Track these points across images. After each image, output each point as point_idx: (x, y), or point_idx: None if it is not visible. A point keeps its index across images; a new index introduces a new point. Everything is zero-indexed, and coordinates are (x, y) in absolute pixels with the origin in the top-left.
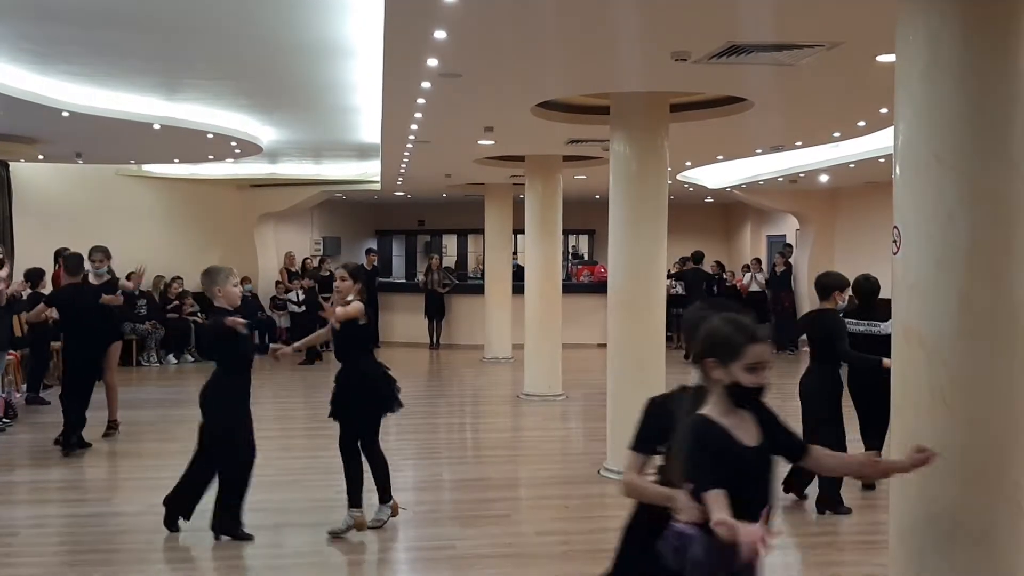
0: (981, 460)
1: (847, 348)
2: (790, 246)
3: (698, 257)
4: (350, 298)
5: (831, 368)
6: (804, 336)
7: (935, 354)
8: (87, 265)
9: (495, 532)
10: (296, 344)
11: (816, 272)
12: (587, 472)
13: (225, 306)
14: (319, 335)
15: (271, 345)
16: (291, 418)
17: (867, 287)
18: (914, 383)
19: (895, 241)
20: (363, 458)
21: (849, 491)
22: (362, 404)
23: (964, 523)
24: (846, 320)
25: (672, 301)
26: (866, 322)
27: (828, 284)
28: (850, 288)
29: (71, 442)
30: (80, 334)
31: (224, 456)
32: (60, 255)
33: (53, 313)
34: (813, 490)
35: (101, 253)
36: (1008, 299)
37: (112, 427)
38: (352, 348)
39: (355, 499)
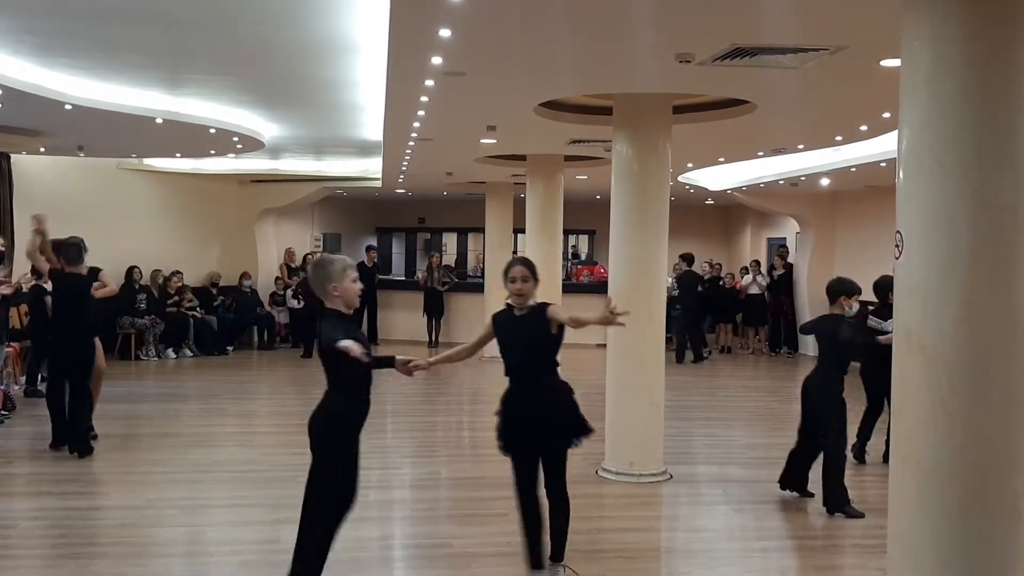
0: (980, 466)
1: (850, 336)
2: (785, 247)
3: (690, 259)
4: (532, 302)
5: (837, 374)
6: (808, 337)
7: (936, 360)
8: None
9: (492, 531)
10: (433, 359)
11: (816, 276)
12: (585, 472)
13: (341, 308)
14: (466, 348)
15: (397, 358)
16: (288, 413)
17: (886, 285)
18: (914, 389)
19: (897, 246)
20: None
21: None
22: (561, 428)
23: (963, 529)
24: (871, 317)
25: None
26: (891, 320)
27: (836, 289)
28: (859, 294)
29: (84, 444)
30: (73, 325)
31: (327, 494)
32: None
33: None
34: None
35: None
36: (1010, 305)
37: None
38: (548, 361)
39: (537, 556)
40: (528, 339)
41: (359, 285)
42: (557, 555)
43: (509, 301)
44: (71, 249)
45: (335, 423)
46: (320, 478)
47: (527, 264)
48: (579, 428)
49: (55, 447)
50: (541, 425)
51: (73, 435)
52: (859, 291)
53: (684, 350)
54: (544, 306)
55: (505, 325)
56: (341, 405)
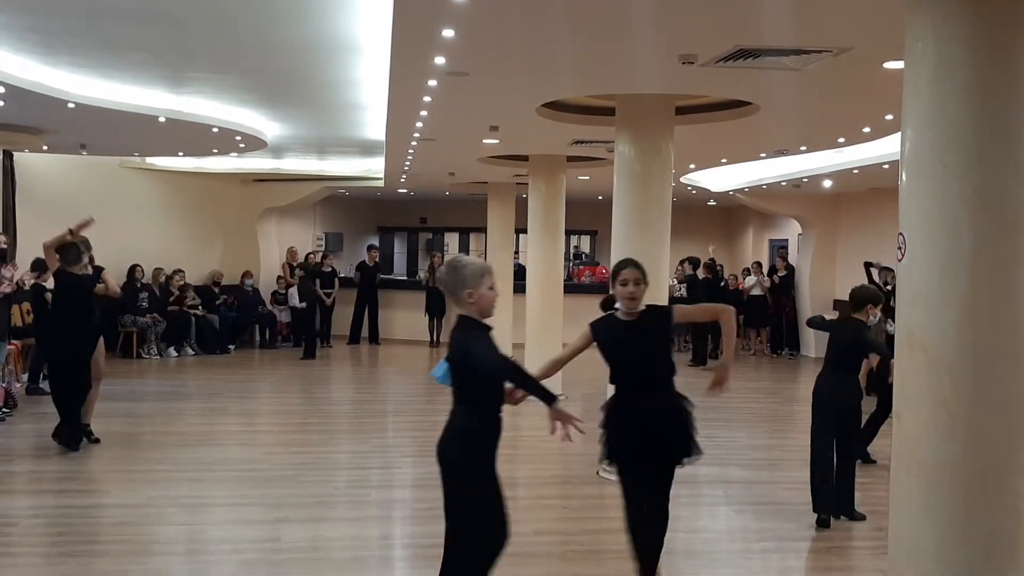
0: (981, 468)
1: (876, 344)
2: (786, 248)
3: (696, 262)
4: (643, 306)
5: (854, 377)
6: (811, 339)
7: (938, 361)
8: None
9: None
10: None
11: (818, 277)
12: (586, 472)
13: (475, 316)
14: (555, 363)
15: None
16: (289, 413)
17: None
18: (916, 390)
19: (900, 248)
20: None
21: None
22: (679, 443)
23: (964, 531)
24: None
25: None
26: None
27: (863, 297)
28: (883, 303)
29: (77, 438)
30: (72, 326)
31: (479, 528)
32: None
33: (22, 276)
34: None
35: (81, 244)
36: (1012, 308)
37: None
38: (670, 370)
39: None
40: (647, 347)
41: (496, 292)
42: (651, 571)
43: (617, 306)
44: (70, 249)
45: (473, 444)
46: (467, 512)
47: (639, 266)
48: (692, 446)
49: (74, 447)
50: (660, 441)
51: (63, 429)
52: (884, 300)
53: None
54: (666, 309)
55: (613, 333)
56: (477, 424)
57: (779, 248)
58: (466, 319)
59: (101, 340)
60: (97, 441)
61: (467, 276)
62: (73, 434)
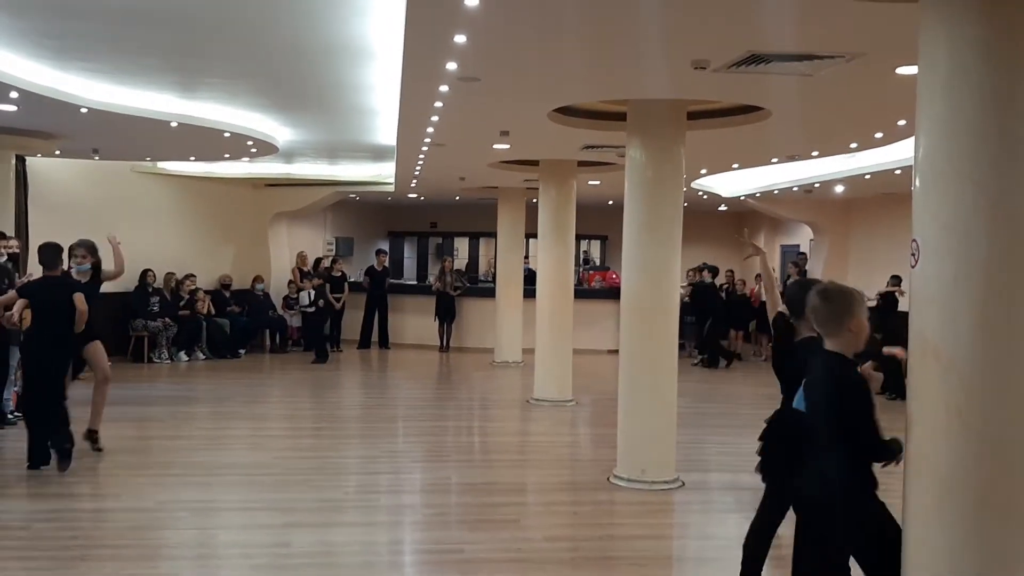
0: (995, 476)
1: None
2: (804, 255)
3: (714, 271)
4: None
5: None
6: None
7: (951, 369)
8: (73, 263)
9: (503, 537)
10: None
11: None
12: (596, 479)
13: (848, 348)
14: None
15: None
16: (299, 417)
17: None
18: (929, 398)
19: (913, 254)
20: None
21: None
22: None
23: (978, 539)
24: None
25: (683, 310)
26: None
27: None
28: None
29: (34, 461)
30: (44, 333)
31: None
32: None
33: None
34: None
35: (84, 248)
36: None
37: (89, 437)
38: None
39: None
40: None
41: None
42: None
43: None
44: (46, 251)
45: (861, 490)
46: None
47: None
48: None
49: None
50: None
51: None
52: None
53: (716, 357)
54: None
55: None
56: (848, 473)
57: (798, 254)
58: (835, 356)
59: (98, 344)
60: (100, 450)
61: (855, 304)
62: (58, 449)
